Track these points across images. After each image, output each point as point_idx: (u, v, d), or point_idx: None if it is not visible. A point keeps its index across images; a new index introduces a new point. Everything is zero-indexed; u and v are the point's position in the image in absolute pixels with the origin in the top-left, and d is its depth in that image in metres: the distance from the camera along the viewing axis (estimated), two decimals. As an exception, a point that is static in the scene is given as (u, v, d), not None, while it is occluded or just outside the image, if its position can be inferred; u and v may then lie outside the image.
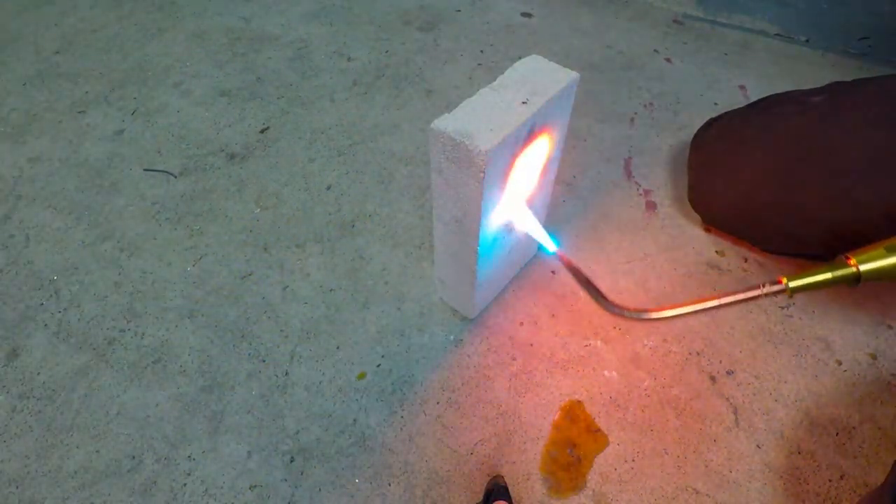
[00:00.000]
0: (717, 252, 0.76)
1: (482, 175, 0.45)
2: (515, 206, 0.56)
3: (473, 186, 0.47)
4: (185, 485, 0.56)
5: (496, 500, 0.51)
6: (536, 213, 0.65)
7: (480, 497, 0.54)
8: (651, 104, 1.00)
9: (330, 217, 0.81)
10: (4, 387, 0.64)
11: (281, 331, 0.68)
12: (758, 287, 0.46)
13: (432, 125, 0.46)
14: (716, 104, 1.00)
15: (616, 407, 0.61)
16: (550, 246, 0.55)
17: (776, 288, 0.46)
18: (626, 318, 0.49)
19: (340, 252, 0.76)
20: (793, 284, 0.46)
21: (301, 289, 0.72)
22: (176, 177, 0.88)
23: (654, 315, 0.48)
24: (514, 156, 0.50)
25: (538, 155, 0.55)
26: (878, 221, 0.59)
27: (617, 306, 0.49)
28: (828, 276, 0.46)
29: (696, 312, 0.48)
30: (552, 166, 0.61)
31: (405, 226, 0.79)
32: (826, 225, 0.63)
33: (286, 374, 0.64)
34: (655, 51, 1.13)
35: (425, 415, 0.60)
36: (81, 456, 0.58)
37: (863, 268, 0.45)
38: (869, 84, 0.67)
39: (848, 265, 0.45)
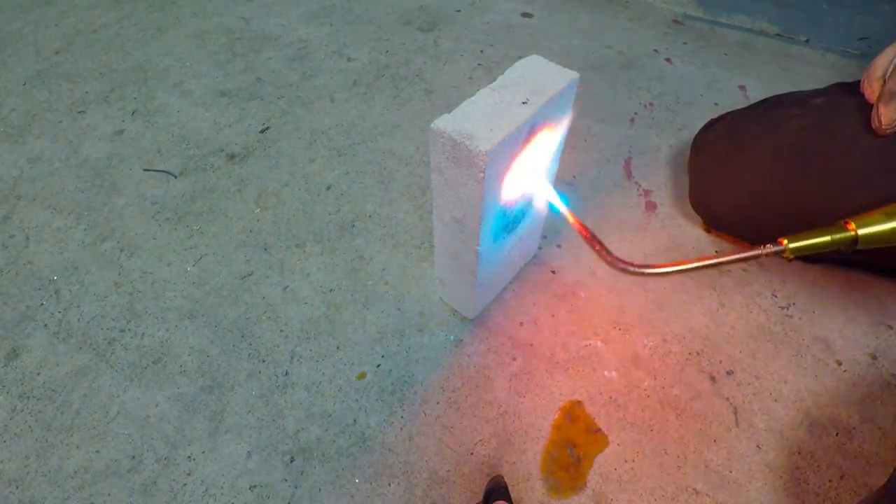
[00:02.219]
0: (717, 252, 0.76)
1: (482, 175, 0.45)
2: (532, 175, 0.56)
3: (473, 186, 0.47)
4: (185, 485, 0.56)
5: (496, 500, 0.51)
6: (536, 214, 0.66)
7: (480, 497, 0.54)
8: (651, 104, 1.00)
9: (330, 217, 0.81)
10: (4, 387, 0.64)
11: (281, 331, 0.68)
12: (758, 248, 0.47)
13: (432, 125, 0.46)
14: (716, 104, 1.00)
15: (616, 407, 0.61)
16: (557, 202, 0.55)
17: (776, 249, 0.47)
18: (629, 273, 0.50)
19: (340, 252, 0.76)
20: (792, 246, 0.47)
21: (301, 289, 0.72)
22: (176, 177, 0.88)
23: (657, 270, 0.49)
24: (514, 156, 0.50)
25: (538, 155, 0.55)
26: None
27: (621, 261, 0.50)
28: (826, 238, 0.47)
29: (697, 269, 0.49)
30: (552, 166, 0.61)
31: (405, 226, 0.79)
32: None
33: (286, 374, 0.64)
34: (655, 51, 1.13)
35: (425, 415, 0.60)
36: (81, 456, 0.58)
37: (861, 231, 0.46)
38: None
39: (847, 229, 0.47)
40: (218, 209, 0.82)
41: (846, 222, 0.47)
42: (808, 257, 0.73)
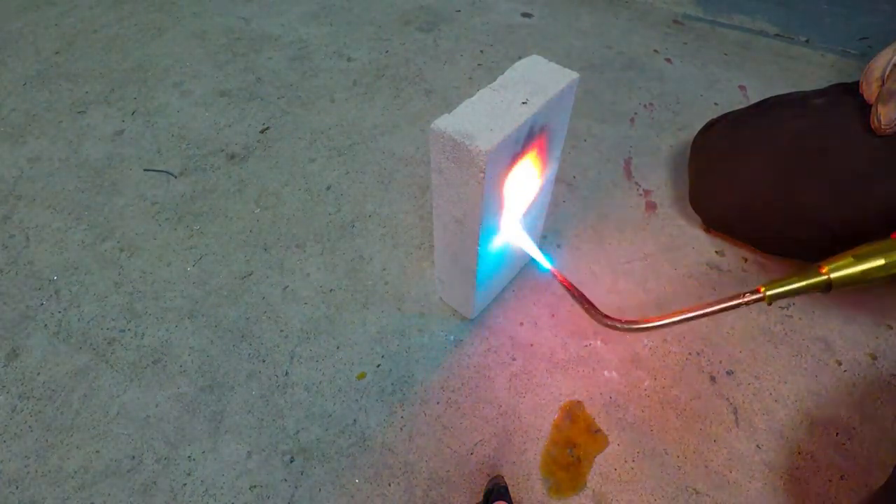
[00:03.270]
0: (716, 252, 0.76)
1: (482, 175, 0.45)
2: (510, 226, 0.57)
3: (473, 186, 0.47)
4: (185, 485, 0.56)
5: (496, 500, 0.51)
6: (536, 213, 0.66)
7: (480, 497, 0.54)
8: (651, 104, 1.00)
9: (330, 217, 0.81)
10: (4, 387, 0.64)
11: (281, 331, 0.68)
12: (738, 297, 0.49)
13: (432, 125, 0.46)
14: (716, 104, 1.00)
15: (616, 407, 0.61)
16: (545, 263, 0.58)
17: (755, 297, 0.49)
18: (617, 329, 0.53)
19: (340, 252, 0.76)
20: (770, 293, 0.49)
21: (301, 289, 0.72)
22: (176, 177, 0.88)
23: (644, 325, 0.52)
24: (514, 156, 0.50)
25: (538, 155, 0.55)
26: (879, 225, 0.59)
27: (608, 318, 0.53)
28: (802, 283, 0.49)
29: (681, 321, 0.51)
30: (552, 166, 0.61)
31: (405, 226, 0.79)
32: (827, 228, 0.63)
33: (286, 374, 0.64)
34: (655, 51, 1.13)
35: (425, 415, 0.60)
36: (81, 456, 0.58)
37: (833, 276, 0.48)
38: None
39: (821, 273, 0.49)
40: (218, 209, 0.82)
41: (820, 267, 0.49)
42: (810, 258, 0.73)
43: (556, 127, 0.55)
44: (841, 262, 0.49)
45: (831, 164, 0.62)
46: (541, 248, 0.76)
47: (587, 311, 0.54)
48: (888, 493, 0.47)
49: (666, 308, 0.70)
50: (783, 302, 0.70)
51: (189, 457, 0.58)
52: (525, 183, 0.56)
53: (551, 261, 0.58)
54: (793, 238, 0.67)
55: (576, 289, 0.55)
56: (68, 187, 0.86)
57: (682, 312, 0.51)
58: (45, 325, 0.69)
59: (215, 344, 0.67)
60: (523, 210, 0.60)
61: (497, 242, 0.60)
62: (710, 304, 0.51)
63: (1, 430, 0.60)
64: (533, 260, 0.58)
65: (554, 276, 0.57)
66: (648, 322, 0.52)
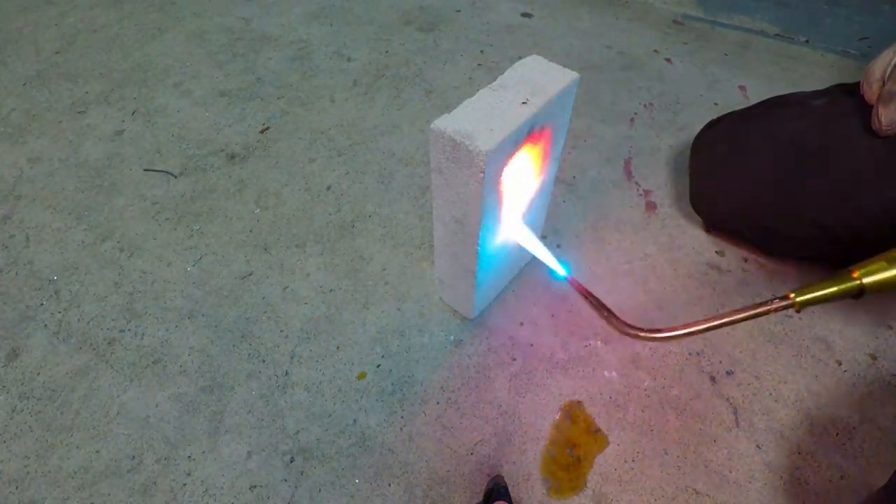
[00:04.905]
0: (717, 253, 0.76)
1: (482, 175, 0.45)
2: (522, 234, 0.57)
3: (473, 186, 0.47)
4: (185, 485, 0.56)
5: (496, 500, 0.51)
6: (536, 213, 0.66)
7: (480, 497, 0.54)
8: (651, 104, 1.00)
9: (330, 217, 0.81)
10: (4, 387, 0.64)
11: (281, 331, 0.68)
12: (767, 304, 0.47)
13: (432, 125, 0.46)
14: (716, 104, 1.00)
15: (616, 407, 0.61)
16: (560, 271, 0.55)
17: (785, 303, 0.47)
18: (640, 339, 0.50)
19: (340, 252, 0.76)
20: (800, 299, 0.47)
21: (301, 289, 0.72)
22: (176, 177, 0.88)
23: (667, 334, 0.49)
24: (514, 156, 0.50)
25: (538, 155, 0.55)
26: (880, 226, 0.59)
27: (631, 327, 0.50)
28: (833, 289, 0.47)
29: (706, 330, 0.49)
30: (552, 166, 0.61)
31: (405, 226, 0.79)
32: (828, 229, 0.63)
33: (286, 374, 0.64)
34: (655, 51, 1.13)
35: (425, 415, 0.60)
36: (81, 456, 0.58)
37: (865, 280, 0.46)
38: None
39: (852, 278, 0.47)
40: (218, 209, 0.82)
41: (851, 271, 0.47)
42: (810, 259, 0.73)
43: (556, 127, 0.55)
44: (873, 267, 0.47)
45: (832, 165, 0.62)
46: (550, 272, 0.76)
47: (606, 319, 0.52)
48: (889, 494, 0.47)
49: (666, 308, 0.70)
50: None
51: (189, 457, 0.58)
52: (525, 183, 0.56)
53: (567, 268, 0.55)
54: (793, 238, 0.68)
55: (594, 297, 0.53)
56: (68, 187, 0.86)
57: (707, 321, 0.49)
58: (45, 325, 0.69)
59: (215, 344, 0.67)
60: (524, 209, 0.60)
61: (503, 245, 0.60)
62: (737, 312, 0.48)
63: (1, 430, 0.60)
64: (548, 268, 0.56)
65: (571, 284, 0.54)
66: (672, 331, 0.50)
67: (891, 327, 0.68)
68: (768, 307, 0.47)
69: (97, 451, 0.58)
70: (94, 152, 0.92)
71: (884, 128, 0.58)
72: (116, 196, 0.85)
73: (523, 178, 0.55)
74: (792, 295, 0.47)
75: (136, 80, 1.06)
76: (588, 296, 0.53)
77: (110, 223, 0.81)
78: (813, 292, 0.47)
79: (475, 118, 0.46)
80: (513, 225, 0.58)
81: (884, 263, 0.46)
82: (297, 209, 0.82)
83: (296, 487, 0.55)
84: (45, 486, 0.56)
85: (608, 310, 0.52)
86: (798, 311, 0.49)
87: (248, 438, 0.59)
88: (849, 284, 0.47)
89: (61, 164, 0.90)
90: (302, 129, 0.95)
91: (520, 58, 0.54)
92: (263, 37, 1.17)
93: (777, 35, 1.18)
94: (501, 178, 0.50)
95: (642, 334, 0.50)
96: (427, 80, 1.05)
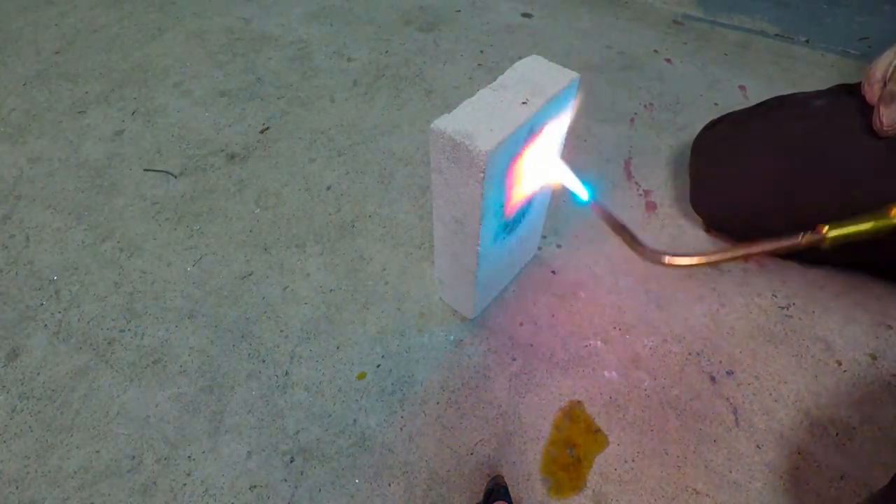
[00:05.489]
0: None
1: (482, 175, 0.45)
2: (548, 160, 0.55)
3: (473, 186, 0.47)
4: (185, 485, 0.56)
5: (496, 500, 0.51)
6: (536, 213, 0.66)
7: (480, 497, 0.54)
8: (651, 104, 1.00)
9: (330, 217, 0.81)
10: (4, 387, 0.64)
11: (281, 331, 0.68)
12: (795, 237, 0.45)
13: (432, 125, 0.46)
14: (716, 104, 1.00)
15: (616, 407, 0.61)
16: (584, 195, 0.54)
17: (815, 236, 0.45)
18: (663, 264, 0.48)
19: (340, 252, 0.76)
20: (832, 234, 0.44)
21: (301, 289, 0.72)
22: (176, 177, 0.88)
23: (688, 261, 0.48)
24: (514, 156, 0.50)
25: (538, 155, 0.55)
26: None
27: (653, 251, 0.49)
28: (868, 225, 0.44)
29: (731, 258, 0.47)
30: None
31: (405, 226, 0.79)
32: None
33: (286, 374, 0.64)
34: (655, 51, 1.13)
35: (425, 415, 0.60)
36: (81, 456, 0.58)
37: None
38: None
39: (889, 216, 0.44)
40: (218, 209, 0.82)
41: (889, 209, 0.44)
42: (809, 258, 0.73)
43: (556, 127, 0.55)
44: None
45: (832, 166, 0.62)
46: (540, 248, 0.76)
47: (629, 243, 0.50)
48: (889, 494, 0.47)
49: (666, 308, 0.70)
50: (783, 301, 0.70)
51: (189, 457, 0.58)
52: (525, 183, 0.56)
53: (591, 192, 0.53)
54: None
55: (618, 221, 0.51)
56: (68, 187, 0.86)
57: (727, 251, 0.47)
58: (45, 325, 0.69)
59: (215, 344, 0.67)
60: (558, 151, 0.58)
61: (503, 245, 0.59)
62: (760, 244, 0.46)
63: (1, 430, 0.60)
64: (571, 193, 0.54)
65: (594, 210, 0.54)
66: (694, 257, 0.48)
67: (891, 327, 0.68)
68: (797, 240, 0.45)
69: (97, 451, 0.58)
70: (94, 152, 0.92)
71: (885, 128, 0.58)
72: (116, 196, 0.85)
73: (523, 177, 0.55)
74: (824, 229, 0.45)
75: (136, 80, 1.06)
76: (611, 220, 0.51)
77: (110, 223, 0.81)
78: (847, 228, 0.45)
79: (475, 118, 0.46)
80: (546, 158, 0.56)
81: None
82: (297, 209, 0.82)
83: (296, 487, 0.55)
84: (45, 486, 0.56)
85: (632, 234, 0.50)
86: (828, 245, 0.46)
87: (248, 438, 0.59)
88: (887, 222, 0.44)
89: (61, 164, 0.90)
90: (302, 129, 0.95)
91: (520, 58, 0.54)
92: (263, 37, 1.17)
93: (777, 35, 1.18)
94: (501, 178, 0.50)
95: (666, 259, 0.48)
96: (427, 80, 1.05)
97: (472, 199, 0.49)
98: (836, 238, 0.45)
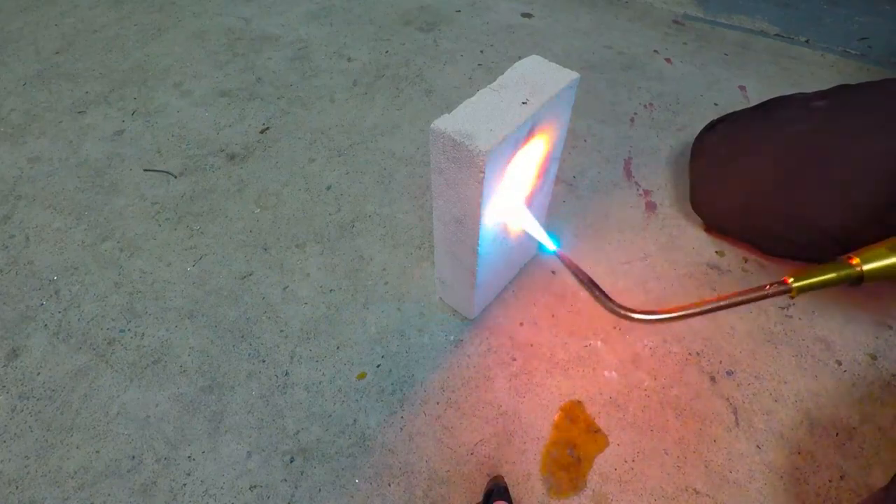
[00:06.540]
0: (716, 253, 0.76)
1: (482, 175, 0.45)
2: (514, 207, 0.56)
3: (473, 186, 0.47)
4: (184, 485, 0.56)
5: (496, 500, 0.51)
6: (536, 213, 0.66)
7: (480, 497, 0.54)
8: (651, 104, 1.00)
9: (330, 217, 0.81)
10: (4, 387, 0.63)
11: (281, 331, 0.68)
12: (763, 287, 0.46)
13: (432, 125, 0.46)
14: (716, 104, 1.00)
15: (616, 407, 0.61)
16: (550, 245, 0.54)
17: (781, 288, 0.46)
18: (631, 320, 0.49)
19: (340, 252, 0.76)
20: (797, 284, 0.46)
21: (301, 289, 0.72)
22: (176, 177, 0.88)
23: (660, 317, 0.48)
24: (514, 156, 0.50)
25: (538, 155, 0.55)
26: (880, 227, 0.59)
27: (622, 308, 0.48)
28: (832, 275, 0.46)
29: (700, 313, 0.48)
30: (552, 166, 0.61)
31: (405, 226, 0.79)
32: (828, 230, 0.63)
33: (286, 374, 0.64)
34: (655, 51, 1.13)
35: (425, 415, 0.60)
36: (81, 456, 0.58)
37: (866, 267, 0.46)
38: (872, 88, 0.66)
39: (851, 265, 0.46)
40: (218, 209, 0.82)
41: (849, 258, 0.46)
42: (810, 260, 0.73)
43: (556, 127, 0.55)
44: (873, 253, 0.46)
45: (832, 167, 0.62)
46: (540, 247, 0.76)
47: (597, 298, 0.50)
48: (889, 494, 0.47)
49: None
50: (783, 302, 0.70)
51: (189, 457, 0.58)
52: (524, 183, 0.56)
53: (557, 243, 0.53)
54: (794, 240, 0.67)
55: (584, 274, 0.51)
56: (68, 187, 0.86)
57: (701, 304, 0.48)
58: (45, 325, 0.69)
59: (215, 344, 0.67)
60: (527, 194, 0.58)
61: (503, 244, 0.60)
62: (731, 297, 0.47)
63: (1, 430, 0.60)
64: (540, 245, 0.54)
65: (561, 258, 0.53)
66: (664, 313, 0.48)
67: (891, 327, 0.68)
68: (764, 292, 0.46)
69: (97, 451, 0.58)
70: (94, 152, 0.92)
71: None
72: (116, 196, 0.85)
73: (523, 177, 0.55)
74: (790, 280, 0.46)
75: (136, 80, 1.06)
76: (579, 273, 0.51)
77: (110, 223, 0.81)
78: (811, 278, 0.46)
79: (475, 118, 0.46)
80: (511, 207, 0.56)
81: (884, 251, 0.46)
82: (297, 209, 0.82)
83: (296, 487, 0.55)
84: (45, 486, 0.56)
85: (600, 289, 0.50)
86: (793, 298, 0.48)
87: (248, 438, 0.59)
88: (848, 271, 0.46)
89: (61, 164, 0.90)
90: (302, 129, 0.95)
91: (520, 58, 0.54)
92: (263, 37, 1.17)
93: (777, 35, 1.18)
94: (501, 177, 0.50)
95: (635, 315, 0.48)
96: (427, 80, 1.05)
97: (472, 198, 0.49)
98: (801, 288, 0.46)
